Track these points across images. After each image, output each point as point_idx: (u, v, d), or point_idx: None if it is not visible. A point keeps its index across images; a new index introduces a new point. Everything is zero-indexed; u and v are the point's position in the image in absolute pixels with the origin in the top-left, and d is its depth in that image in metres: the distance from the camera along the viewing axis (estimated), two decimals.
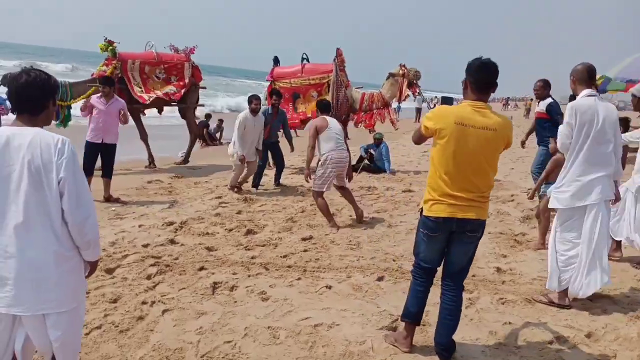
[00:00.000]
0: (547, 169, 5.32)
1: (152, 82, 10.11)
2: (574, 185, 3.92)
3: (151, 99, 9.73)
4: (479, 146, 2.92)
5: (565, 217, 4.05)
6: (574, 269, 4.00)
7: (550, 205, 4.19)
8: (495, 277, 4.71)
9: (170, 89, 10.19)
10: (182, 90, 10.33)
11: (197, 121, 14.64)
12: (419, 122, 19.81)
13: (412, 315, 3.29)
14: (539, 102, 7.22)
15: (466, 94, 3.04)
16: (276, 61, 10.66)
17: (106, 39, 9.71)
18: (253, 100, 7.83)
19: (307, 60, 10.42)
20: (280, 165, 8.67)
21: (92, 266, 2.51)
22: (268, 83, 10.72)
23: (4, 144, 2.16)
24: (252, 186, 8.26)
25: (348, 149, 6.51)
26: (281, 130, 8.73)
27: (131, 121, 8.11)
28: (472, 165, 2.95)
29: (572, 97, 4.48)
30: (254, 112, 7.81)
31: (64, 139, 2.22)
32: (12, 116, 2.51)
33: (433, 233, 3.08)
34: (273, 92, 8.57)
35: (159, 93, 9.93)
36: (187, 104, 10.69)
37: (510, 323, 3.76)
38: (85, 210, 2.24)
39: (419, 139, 3.29)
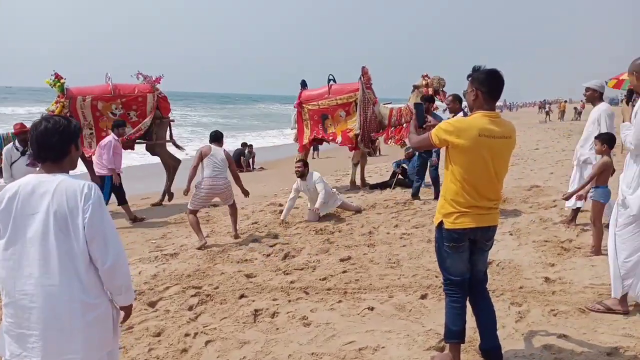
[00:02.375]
0: (593, 172, 5.14)
1: (106, 121, 8.94)
2: None
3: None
4: (500, 155, 3.01)
5: (630, 220, 3.81)
6: (636, 274, 3.79)
7: (631, 213, 3.79)
8: (545, 287, 4.51)
9: (125, 130, 8.61)
10: (140, 127, 9.15)
11: (235, 149, 14.86)
12: None
13: (456, 334, 3.19)
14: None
15: (477, 104, 3.04)
16: (303, 85, 10.75)
17: (54, 73, 8.90)
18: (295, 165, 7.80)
19: (334, 80, 10.46)
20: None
21: (126, 311, 2.46)
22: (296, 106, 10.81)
23: (29, 192, 2.17)
24: None
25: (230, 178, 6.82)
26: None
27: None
28: (497, 174, 3.02)
29: (630, 93, 4.33)
30: (300, 176, 7.69)
31: (90, 184, 2.22)
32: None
33: (458, 243, 3.07)
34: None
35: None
36: (152, 140, 9.56)
37: (564, 336, 3.58)
38: (115, 255, 2.21)
39: (424, 147, 3.38)
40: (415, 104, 3.63)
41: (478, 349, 3.30)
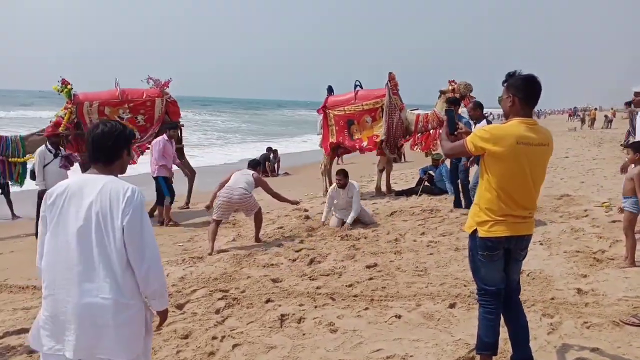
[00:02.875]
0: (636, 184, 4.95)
1: None
2: None
3: None
4: (538, 163, 2.97)
5: None
6: None
7: None
8: (577, 299, 4.40)
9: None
10: (149, 133, 9.13)
11: (260, 154, 15.01)
12: None
13: (488, 345, 3.13)
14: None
15: (513, 111, 2.99)
16: (330, 90, 10.76)
17: (61, 79, 8.86)
18: (336, 176, 7.84)
19: (360, 86, 10.45)
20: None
21: (161, 316, 2.49)
22: (322, 112, 10.81)
23: (77, 189, 2.26)
24: None
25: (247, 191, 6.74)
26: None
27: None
28: (534, 182, 2.97)
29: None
30: (340, 186, 7.68)
31: (134, 188, 2.28)
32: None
33: (493, 252, 3.01)
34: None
35: None
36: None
37: (598, 349, 3.49)
38: (150, 260, 2.25)
39: (458, 154, 3.40)
40: (446, 110, 3.59)
41: None
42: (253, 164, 7.32)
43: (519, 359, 3.13)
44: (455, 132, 3.35)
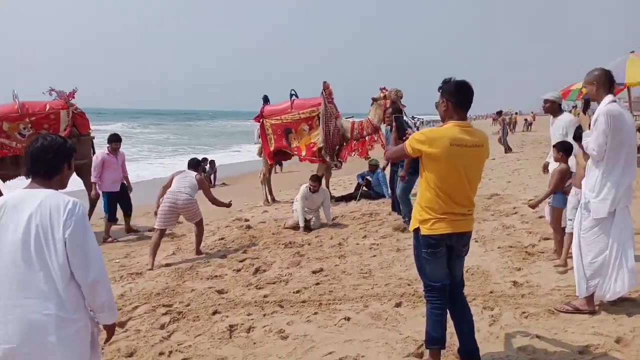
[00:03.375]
0: (555, 180, 5.27)
1: (13, 141, 7.97)
2: (614, 192, 3.84)
3: None
4: (472, 163, 3.11)
5: (594, 223, 3.98)
6: (602, 274, 3.95)
7: (595, 216, 3.94)
8: (514, 291, 4.64)
9: None
10: None
11: None
12: None
13: (437, 340, 3.24)
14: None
15: (448, 115, 3.16)
16: (266, 100, 10.75)
17: None
18: (309, 182, 7.94)
19: (296, 96, 10.52)
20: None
21: (109, 330, 2.45)
22: (258, 122, 10.78)
23: (15, 204, 2.19)
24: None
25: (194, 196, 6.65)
26: None
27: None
28: (469, 181, 3.12)
29: (587, 103, 4.46)
30: (314, 192, 7.87)
31: (75, 201, 2.24)
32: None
33: (436, 249, 3.13)
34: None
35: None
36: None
37: (537, 337, 3.68)
38: (96, 272, 2.21)
39: (399, 157, 3.40)
40: (395, 117, 3.76)
41: (457, 353, 3.35)
42: (194, 164, 7.09)
43: (465, 349, 3.26)
44: (404, 137, 3.50)
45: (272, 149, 10.48)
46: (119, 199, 8.21)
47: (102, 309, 2.28)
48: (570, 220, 4.80)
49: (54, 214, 2.16)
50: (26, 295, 2.12)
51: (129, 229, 8.43)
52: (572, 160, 5.17)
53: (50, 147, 2.28)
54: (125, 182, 8.37)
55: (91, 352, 2.31)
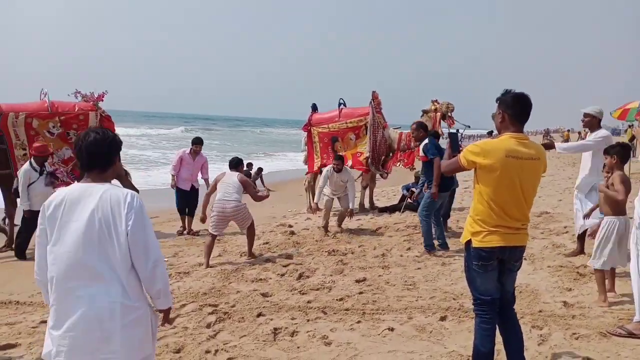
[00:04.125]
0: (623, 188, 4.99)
1: (42, 140, 7.77)
2: None
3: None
4: (528, 176, 3.05)
5: None
6: None
7: None
8: (564, 311, 4.50)
9: (63, 151, 8.08)
10: None
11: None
12: None
13: (484, 355, 3.17)
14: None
15: (504, 127, 3.12)
16: (314, 108, 10.85)
17: None
18: (334, 161, 8.30)
19: (344, 104, 10.58)
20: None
21: (164, 314, 2.57)
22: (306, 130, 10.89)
23: (75, 199, 2.29)
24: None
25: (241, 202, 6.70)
26: None
27: None
28: (524, 194, 3.05)
29: None
30: (336, 170, 8.15)
31: (133, 193, 2.35)
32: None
33: (487, 262, 3.09)
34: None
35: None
36: None
37: (588, 359, 3.57)
38: (155, 261, 2.32)
39: (453, 170, 3.44)
40: (450, 133, 3.80)
41: None
42: (235, 164, 7.06)
43: None
44: (458, 152, 3.54)
45: (318, 163, 10.52)
46: (188, 198, 8.74)
47: (159, 295, 2.41)
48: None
49: (115, 207, 2.26)
50: (91, 285, 2.23)
51: (190, 230, 8.77)
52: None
53: (103, 140, 2.37)
54: (202, 183, 8.94)
55: (151, 338, 2.45)
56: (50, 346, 2.27)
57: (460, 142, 3.62)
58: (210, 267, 6.29)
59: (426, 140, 6.99)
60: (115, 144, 2.43)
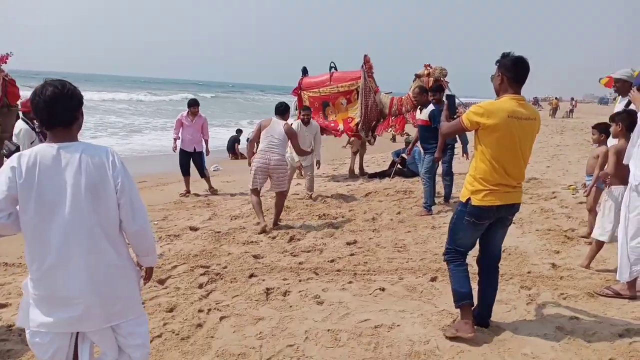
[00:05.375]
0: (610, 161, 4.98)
1: None
2: None
3: None
4: (526, 136, 3.18)
5: None
6: None
7: None
8: (552, 272, 4.58)
9: None
10: None
11: (230, 136, 14.92)
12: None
13: (465, 295, 3.38)
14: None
15: (502, 89, 3.22)
16: (304, 72, 10.70)
17: None
18: (301, 112, 8.30)
19: (335, 68, 10.44)
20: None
21: (148, 272, 2.56)
22: (296, 94, 10.76)
23: (50, 163, 2.09)
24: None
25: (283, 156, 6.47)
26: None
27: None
28: (523, 153, 3.20)
29: None
30: (305, 122, 8.14)
31: (111, 150, 2.22)
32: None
33: (480, 221, 3.25)
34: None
35: None
36: None
37: (576, 318, 3.65)
38: (142, 217, 2.27)
39: (455, 132, 3.52)
40: (447, 96, 3.80)
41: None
42: (282, 111, 6.55)
43: (481, 316, 3.48)
44: (455, 116, 3.61)
45: None
46: (190, 159, 8.86)
47: (147, 252, 2.39)
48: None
49: (99, 168, 2.13)
50: (88, 251, 2.14)
51: (212, 189, 9.01)
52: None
53: (63, 94, 2.12)
54: (205, 144, 9.04)
55: (139, 293, 2.44)
56: (41, 317, 2.16)
57: (457, 107, 3.63)
58: (200, 229, 6.26)
59: (432, 107, 7.00)
60: (76, 96, 2.17)
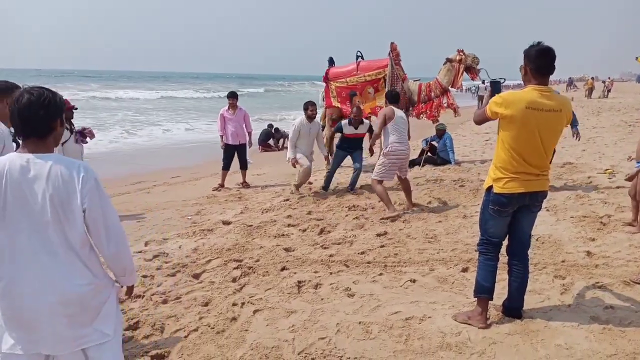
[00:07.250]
0: None
1: None
2: None
3: None
4: (548, 127, 3.15)
5: None
6: None
7: None
8: (587, 261, 4.50)
9: None
10: None
11: (262, 130, 15.05)
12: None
13: (487, 289, 3.43)
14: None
15: (527, 79, 3.22)
16: (331, 62, 10.68)
17: None
18: (309, 107, 8.02)
19: (362, 57, 10.37)
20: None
21: (128, 290, 2.44)
22: (324, 85, 10.75)
23: (18, 175, 1.98)
24: (322, 188, 8.30)
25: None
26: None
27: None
28: (544, 144, 3.18)
29: None
30: (310, 118, 8.01)
31: (86, 166, 2.09)
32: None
33: (504, 208, 3.28)
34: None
35: None
36: None
37: (611, 307, 3.59)
38: (117, 239, 2.15)
39: (482, 121, 3.48)
40: (492, 82, 3.78)
41: (501, 305, 3.55)
42: (394, 98, 6.66)
43: (511, 306, 3.48)
44: None
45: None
46: (234, 153, 9.03)
47: (124, 272, 2.28)
48: None
49: (68, 183, 2.00)
50: (54, 269, 2.03)
51: (245, 183, 9.14)
52: None
53: (39, 102, 2.01)
54: (247, 137, 9.17)
55: (117, 313, 2.32)
56: (10, 339, 2.05)
57: (500, 91, 3.61)
58: (232, 223, 6.38)
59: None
60: (54, 105, 2.04)
